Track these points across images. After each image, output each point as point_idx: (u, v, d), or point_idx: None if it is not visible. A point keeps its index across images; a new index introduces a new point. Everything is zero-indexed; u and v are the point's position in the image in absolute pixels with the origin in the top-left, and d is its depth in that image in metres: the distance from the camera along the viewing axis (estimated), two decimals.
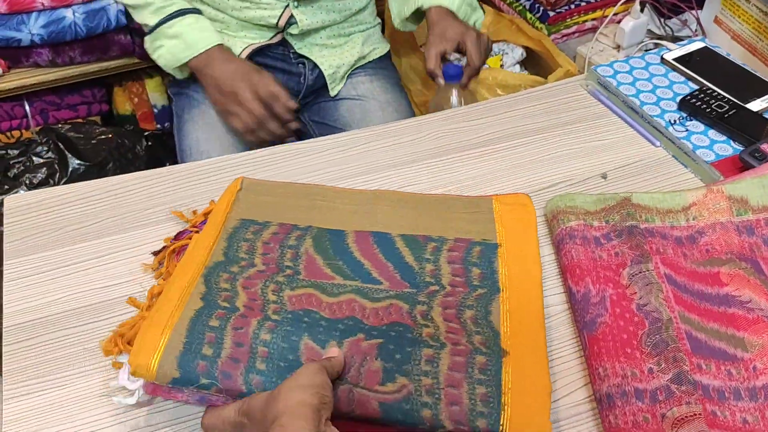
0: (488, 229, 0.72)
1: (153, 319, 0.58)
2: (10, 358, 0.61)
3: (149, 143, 1.38)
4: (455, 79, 1.02)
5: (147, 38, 1.09)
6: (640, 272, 0.67)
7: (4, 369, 0.60)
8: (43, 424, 0.56)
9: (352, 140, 0.88)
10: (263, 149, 0.87)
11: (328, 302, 0.62)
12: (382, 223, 0.72)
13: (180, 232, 0.72)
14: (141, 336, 0.56)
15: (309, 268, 0.66)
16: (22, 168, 1.26)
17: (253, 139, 1.07)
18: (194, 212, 0.75)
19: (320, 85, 1.21)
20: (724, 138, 0.86)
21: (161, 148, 1.43)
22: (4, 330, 0.63)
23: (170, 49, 1.06)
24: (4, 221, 0.74)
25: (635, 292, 0.65)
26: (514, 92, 0.98)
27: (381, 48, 1.25)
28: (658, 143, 0.87)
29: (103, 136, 1.32)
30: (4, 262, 0.69)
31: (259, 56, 1.14)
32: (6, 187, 1.23)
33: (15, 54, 1.40)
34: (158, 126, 1.59)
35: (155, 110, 1.58)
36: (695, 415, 0.55)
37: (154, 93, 1.55)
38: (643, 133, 0.89)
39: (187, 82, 1.15)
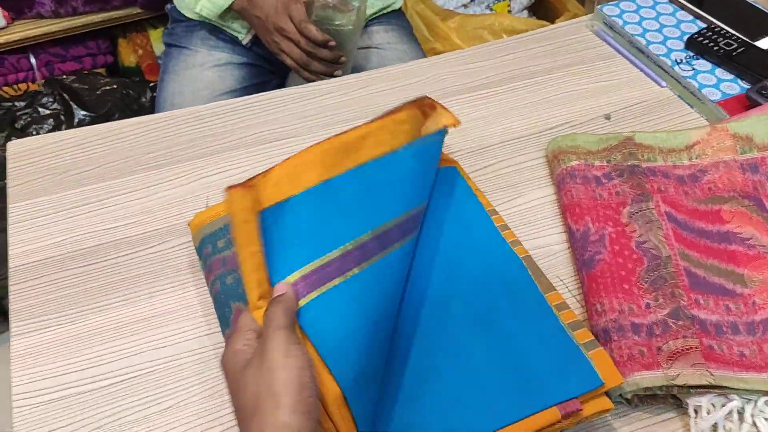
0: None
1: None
2: (17, 297, 0.62)
3: (154, 94, 1.38)
4: None
5: None
6: (641, 210, 0.66)
7: (11, 308, 0.61)
8: (47, 360, 0.58)
9: (353, 84, 0.87)
10: (266, 93, 0.86)
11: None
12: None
13: None
14: (220, 203, 0.64)
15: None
16: (29, 119, 1.26)
17: (311, 76, 1.02)
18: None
19: None
20: (731, 77, 0.84)
21: None
22: (10, 271, 0.64)
23: None
24: (8, 165, 0.74)
25: (635, 230, 0.65)
26: None
27: (396, 2, 1.23)
28: (663, 83, 0.86)
29: (107, 87, 1.32)
30: (8, 205, 0.70)
31: None
32: (13, 138, 1.24)
33: (18, 5, 1.39)
34: None
35: (160, 61, 1.57)
36: (692, 348, 0.55)
37: (159, 44, 1.54)
38: (648, 73, 0.87)
39: (185, 33, 1.13)
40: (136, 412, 0.54)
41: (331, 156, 0.62)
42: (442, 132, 0.69)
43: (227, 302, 0.58)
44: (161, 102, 1.09)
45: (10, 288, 0.63)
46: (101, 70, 1.53)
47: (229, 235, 0.61)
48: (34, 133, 1.25)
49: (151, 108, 1.38)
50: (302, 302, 0.52)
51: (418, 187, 0.62)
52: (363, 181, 0.61)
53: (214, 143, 0.78)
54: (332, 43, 0.97)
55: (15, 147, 0.77)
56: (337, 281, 0.53)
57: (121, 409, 0.54)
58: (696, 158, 0.71)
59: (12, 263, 0.65)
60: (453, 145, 0.78)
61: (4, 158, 0.77)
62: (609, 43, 0.92)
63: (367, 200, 0.59)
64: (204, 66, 1.09)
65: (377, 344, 0.51)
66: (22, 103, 1.29)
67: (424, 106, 0.70)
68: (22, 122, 1.26)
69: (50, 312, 0.61)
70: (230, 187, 0.55)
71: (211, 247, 0.61)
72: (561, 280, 0.65)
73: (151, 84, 1.41)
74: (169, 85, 1.10)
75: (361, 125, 0.65)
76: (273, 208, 0.58)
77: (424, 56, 1.21)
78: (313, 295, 0.52)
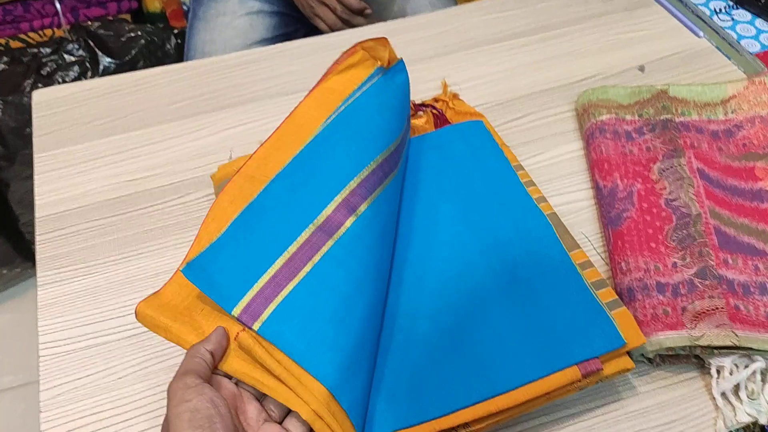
0: None
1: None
2: (44, 247, 0.63)
3: (179, 41, 1.36)
4: None
5: None
6: (672, 167, 0.65)
7: (37, 257, 0.62)
8: (74, 309, 0.59)
9: (379, 33, 0.85)
10: (290, 42, 0.85)
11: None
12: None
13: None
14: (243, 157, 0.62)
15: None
16: (54, 66, 1.26)
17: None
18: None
19: None
20: None
21: None
22: (36, 220, 0.65)
23: None
24: (33, 114, 0.75)
25: (665, 187, 0.63)
26: None
27: None
28: (701, 34, 0.83)
29: (132, 34, 1.31)
30: (34, 155, 0.71)
31: None
32: (39, 85, 1.24)
33: None
34: None
35: (185, 7, 1.55)
36: (717, 308, 0.55)
37: None
38: (685, 23, 0.84)
39: None
40: (162, 361, 0.55)
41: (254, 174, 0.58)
42: (376, 72, 0.63)
43: None
44: (191, 50, 1.08)
45: (37, 237, 0.64)
46: (126, 16, 1.51)
47: None
48: (59, 80, 1.25)
49: (175, 55, 1.36)
50: (263, 317, 0.49)
51: (356, 152, 0.57)
52: (292, 178, 0.56)
53: (238, 94, 0.77)
54: (368, 11, 0.95)
55: (40, 96, 0.77)
56: (289, 287, 0.51)
57: (146, 359, 0.55)
58: (731, 113, 0.69)
59: (38, 213, 0.66)
60: (479, 98, 0.76)
61: (31, 105, 0.77)
62: None
63: (299, 193, 0.55)
64: (236, 14, 1.08)
65: (360, 319, 0.50)
66: (48, 50, 1.29)
67: (347, 61, 0.64)
68: (47, 69, 1.26)
69: (77, 262, 0.62)
70: (136, 311, 0.52)
71: None
72: (586, 238, 0.64)
73: (176, 31, 1.40)
74: (199, 32, 1.08)
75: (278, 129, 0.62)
76: (217, 243, 0.53)
77: (455, 3, 1.18)
78: (270, 308, 0.50)
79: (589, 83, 0.78)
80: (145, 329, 0.57)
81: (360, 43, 0.64)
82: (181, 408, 0.40)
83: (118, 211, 0.66)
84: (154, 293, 0.52)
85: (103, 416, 0.52)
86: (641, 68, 0.80)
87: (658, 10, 0.87)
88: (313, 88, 0.63)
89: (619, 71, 0.79)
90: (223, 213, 0.55)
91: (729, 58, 0.80)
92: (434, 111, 0.71)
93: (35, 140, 0.72)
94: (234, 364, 0.47)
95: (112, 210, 0.66)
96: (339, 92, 0.62)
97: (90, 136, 0.73)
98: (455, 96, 0.74)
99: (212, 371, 0.46)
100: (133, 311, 0.58)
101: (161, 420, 0.52)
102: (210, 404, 0.41)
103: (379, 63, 0.63)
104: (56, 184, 0.68)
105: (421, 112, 0.71)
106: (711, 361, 0.54)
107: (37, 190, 0.68)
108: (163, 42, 1.34)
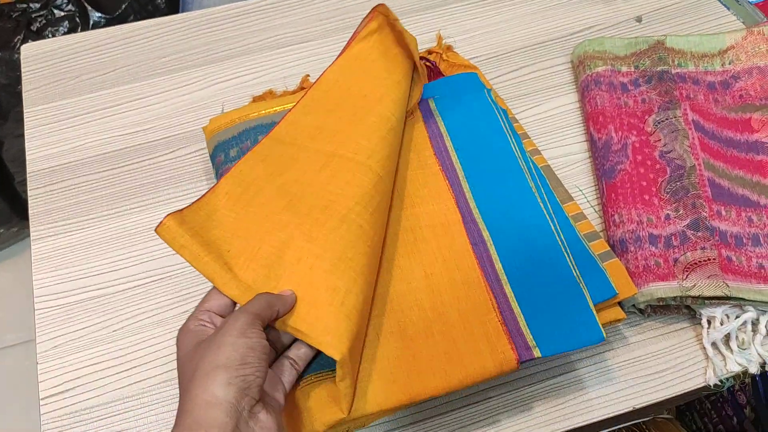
0: None
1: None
2: (36, 201, 0.63)
3: None
4: None
5: None
6: (667, 119, 0.64)
7: (30, 212, 0.62)
8: (68, 263, 0.59)
9: None
10: None
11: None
12: None
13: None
14: (235, 110, 0.65)
15: None
16: (44, 21, 1.24)
17: None
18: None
19: None
20: None
21: None
22: (28, 175, 0.65)
23: None
24: (22, 69, 0.74)
25: (659, 139, 0.63)
26: None
27: None
28: None
29: None
30: (24, 110, 0.70)
31: None
32: (30, 41, 1.22)
33: None
34: None
35: None
36: (709, 259, 0.55)
37: None
38: None
39: None
40: (154, 315, 0.56)
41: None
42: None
43: None
44: (188, 2, 1.06)
45: (29, 193, 0.63)
46: None
47: (242, 145, 0.61)
48: (49, 35, 1.23)
49: (166, 9, 1.34)
50: None
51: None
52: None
53: (229, 47, 0.76)
54: None
55: (28, 50, 0.76)
56: None
57: (139, 312, 0.56)
58: (729, 64, 0.68)
59: (30, 168, 0.65)
60: (474, 51, 0.75)
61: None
62: None
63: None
64: None
65: None
66: (37, 5, 1.27)
67: (367, 28, 0.64)
68: (37, 24, 1.24)
69: (69, 217, 0.62)
70: (163, 223, 0.50)
71: (224, 155, 0.61)
72: (580, 191, 0.63)
73: None
74: None
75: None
76: None
77: None
78: None
79: (585, 35, 0.77)
80: (139, 284, 0.57)
81: (375, 7, 0.63)
82: (241, 341, 0.41)
83: (109, 165, 0.66)
84: (179, 212, 0.51)
85: (99, 368, 0.53)
86: (638, 19, 0.78)
87: None
88: (339, 56, 0.63)
89: (617, 22, 0.78)
90: (253, 171, 0.55)
91: (728, 8, 0.79)
92: (427, 63, 0.70)
93: (25, 95, 0.71)
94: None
95: (103, 165, 0.66)
96: (362, 58, 0.62)
97: (80, 90, 0.72)
98: (449, 48, 0.72)
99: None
100: (128, 265, 0.59)
101: (156, 371, 0.53)
102: (262, 350, 0.42)
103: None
104: (47, 139, 0.68)
105: None
106: (702, 311, 0.55)
107: (27, 145, 0.67)
108: None
